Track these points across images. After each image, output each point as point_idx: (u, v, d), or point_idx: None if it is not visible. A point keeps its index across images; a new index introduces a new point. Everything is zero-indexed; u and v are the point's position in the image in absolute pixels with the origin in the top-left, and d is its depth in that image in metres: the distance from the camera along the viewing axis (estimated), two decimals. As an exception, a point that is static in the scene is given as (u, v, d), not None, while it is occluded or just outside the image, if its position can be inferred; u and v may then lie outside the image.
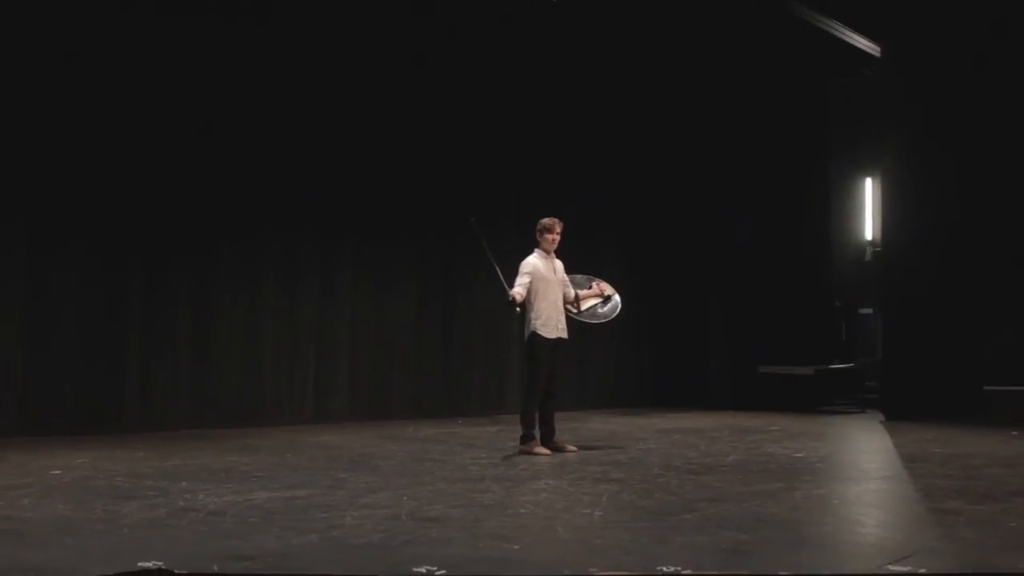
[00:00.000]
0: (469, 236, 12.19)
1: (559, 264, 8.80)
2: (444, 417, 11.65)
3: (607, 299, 9.15)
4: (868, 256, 15.60)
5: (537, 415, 8.57)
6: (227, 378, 10.47)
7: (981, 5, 12.12)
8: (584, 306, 9.02)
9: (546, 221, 8.73)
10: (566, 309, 8.79)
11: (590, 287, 9.13)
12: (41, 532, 5.04)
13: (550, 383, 8.59)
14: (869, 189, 15.75)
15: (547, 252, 8.70)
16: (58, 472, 7.01)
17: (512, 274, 8.59)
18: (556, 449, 8.50)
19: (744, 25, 13.30)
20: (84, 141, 9.57)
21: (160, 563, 4.30)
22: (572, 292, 8.87)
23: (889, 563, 4.51)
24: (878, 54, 13.41)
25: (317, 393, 11.16)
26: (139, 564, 4.31)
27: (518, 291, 8.44)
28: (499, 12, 12.24)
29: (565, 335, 8.69)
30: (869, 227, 15.79)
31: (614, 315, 9.20)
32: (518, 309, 8.57)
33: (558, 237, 8.68)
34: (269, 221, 10.78)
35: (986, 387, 12.44)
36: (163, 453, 8.10)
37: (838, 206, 15.72)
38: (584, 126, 13.38)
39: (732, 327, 14.57)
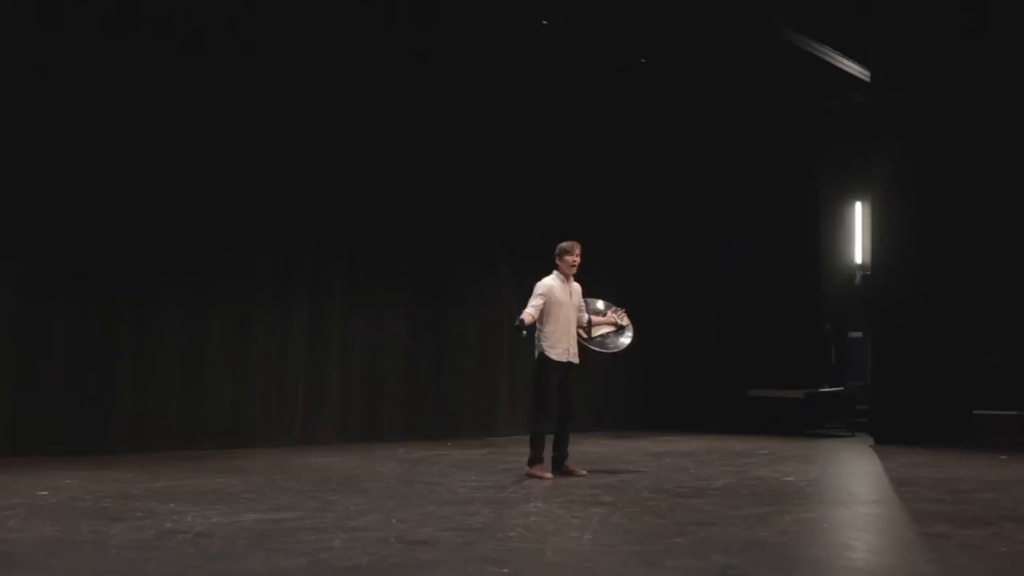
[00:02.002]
0: (461, 257, 12.30)
1: (576, 287, 8.66)
2: (434, 439, 11.64)
3: (620, 329, 9.01)
4: (858, 280, 15.64)
5: (553, 438, 8.52)
6: (216, 399, 10.45)
7: (970, 30, 12.21)
8: (595, 332, 8.87)
9: (565, 244, 8.58)
10: (577, 334, 8.71)
11: (606, 314, 9.02)
12: (28, 554, 5.00)
13: (565, 407, 8.51)
14: (859, 213, 15.80)
15: (565, 275, 8.57)
16: (45, 493, 6.96)
17: (525, 296, 8.50)
18: (566, 473, 8.43)
19: (735, 50, 13.38)
20: (76, 161, 9.58)
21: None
22: (586, 317, 8.76)
23: (879, 588, 4.50)
24: (867, 78, 13.49)
25: (306, 414, 11.14)
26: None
27: (529, 312, 8.32)
28: (492, 36, 12.30)
29: (576, 360, 8.57)
30: (859, 251, 15.83)
31: (623, 348, 9.10)
32: (524, 332, 8.37)
33: (578, 260, 8.52)
34: (260, 242, 10.78)
35: (975, 411, 12.46)
36: (151, 474, 8.06)
37: (828, 230, 15.77)
38: (576, 148, 13.45)
39: (722, 351, 14.62)
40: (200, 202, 10.31)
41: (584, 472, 8.53)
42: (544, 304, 8.42)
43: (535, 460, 8.41)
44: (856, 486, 8.86)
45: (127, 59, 9.83)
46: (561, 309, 8.47)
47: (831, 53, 13.38)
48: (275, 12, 10.78)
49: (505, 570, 4.77)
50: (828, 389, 14.53)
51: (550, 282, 8.54)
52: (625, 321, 9.05)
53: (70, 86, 9.53)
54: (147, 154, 9.98)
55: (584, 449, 10.67)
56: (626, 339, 9.05)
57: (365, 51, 11.49)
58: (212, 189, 10.38)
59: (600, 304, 9.10)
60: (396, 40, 11.69)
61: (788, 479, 8.57)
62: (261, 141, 10.70)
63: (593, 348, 8.91)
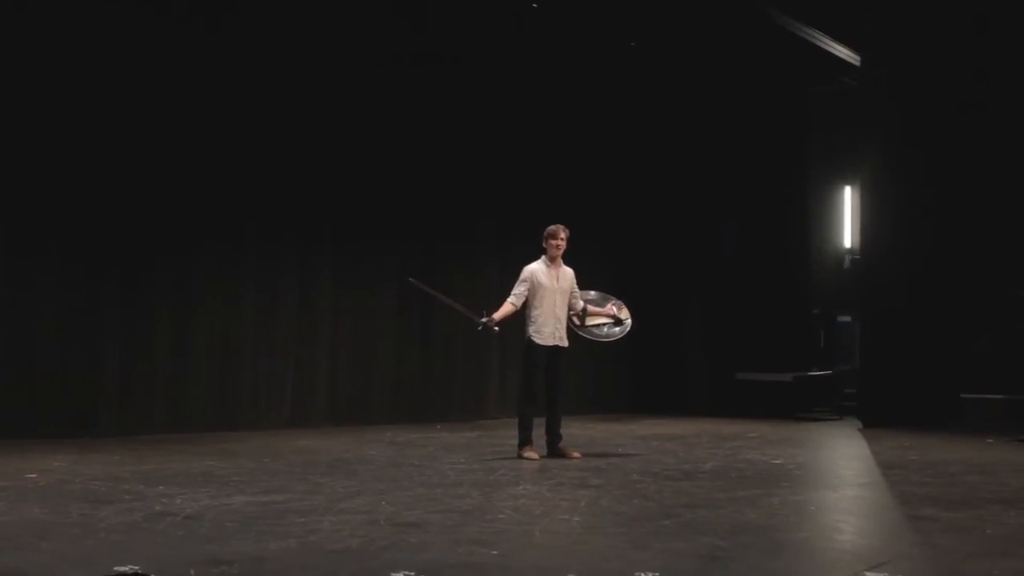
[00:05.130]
0: (449, 240, 12.30)
1: (567, 272, 8.66)
2: (423, 422, 11.64)
3: (617, 322, 9.04)
4: (847, 264, 15.66)
5: (545, 422, 8.56)
6: (205, 382, 10.44)
7: (960, 14, 12.20)
8: (590, 322, 8.89)
9: (550, 228, 8.59)
10: (569, 319, 8.72)
11: (605, 306, 9.05)
12: (17, 536, 5.00)
13: (551, 391, 8.56)
14: (848, 197, 15.80)
15: (552, 259, 8.57)
16: (34, 476, 6.96)
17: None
18: (560, 455, 8.48)
19: (725, 34, 13.35)
20: (64, 145, 9.54)
21: (136, 568, 4.27)
22: (580, 304, 8.79)
23: (866, 569, 4.53)
24: (857, 63, 13.49)
25: (296, 397, 11.13)
26: (115, 568, 4.28)
27: (510, 302, 8.47)
28: (480, 21, 12.24)
29: (564, 344, 8.59)
30: (848, 235, 15.84)
31: (615, 339, 9.14)
32: (496, 328, 8.54)
33: (562, 243, 8.51)
34: (249, 225, 10.76)
35: (962, 395, 12.50)
36: (140, 457, 8.06)
37: (817, 214, 15.76)
38: (566, 132, 13.42)
39: (711, 334, 14.63)
40: (188, 188, 10.26)
41: (577, 454, 8.58)
42: (527, 289, 8.48)
43: (520, 442, 8.48)
44: (844, 469, 8.90)
45: (112, 44, 9.76)
46: (546, 293, 8.51)
47: (821, 37, 13.36)
48: (262, 2, 10.72)
49: (494, 552, 4.78)
50: (816, 373, 14.56)
51: (534, 267, 8.59)
52: (624, 315, 9.08)
53: (56, 73, 9.46)
54: (134, 140, 9.93)
55: (573, 432, 10.69)
56: (620, 330, 9.07)
57: (352, 37, 11.42)
58: (200, 175, 10.33)
59: (593, 293, 9.12)
60: (383, 26, 11.62)
61: (776, 462, 8.60)
62: (249, 127, 10.64)
63: (584, 335, 8.98)
